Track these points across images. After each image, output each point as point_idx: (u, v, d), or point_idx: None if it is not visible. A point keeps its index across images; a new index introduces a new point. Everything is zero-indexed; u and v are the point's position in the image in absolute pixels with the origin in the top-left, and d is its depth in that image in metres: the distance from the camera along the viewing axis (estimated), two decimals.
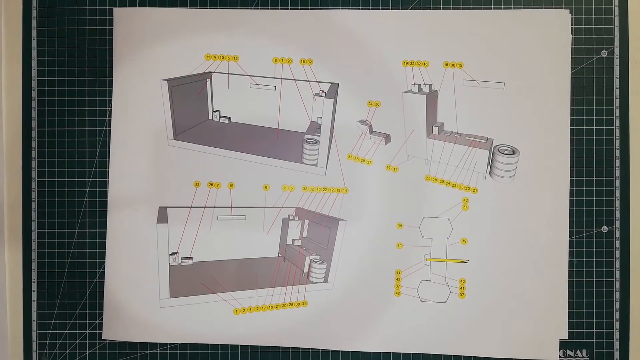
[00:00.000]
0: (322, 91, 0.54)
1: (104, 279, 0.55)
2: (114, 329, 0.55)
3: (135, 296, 0.54)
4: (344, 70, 0.54)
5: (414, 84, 0.54)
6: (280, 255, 0.55)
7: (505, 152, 0.53)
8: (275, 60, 0.54)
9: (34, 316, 0.55)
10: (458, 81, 0.54)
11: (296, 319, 0.54)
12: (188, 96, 0.55)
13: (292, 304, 0.55)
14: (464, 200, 0.54)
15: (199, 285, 0.54)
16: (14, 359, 0.55)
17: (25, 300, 0.55)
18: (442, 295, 0.54)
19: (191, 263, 0.55)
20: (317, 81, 0.54)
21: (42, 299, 0.55)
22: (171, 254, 0.54)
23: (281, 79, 0.54)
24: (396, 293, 0.54)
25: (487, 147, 0.53)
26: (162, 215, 0.54)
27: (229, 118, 0.55)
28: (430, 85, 0.54)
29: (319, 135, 0.54)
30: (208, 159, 0.55)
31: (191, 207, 0.54)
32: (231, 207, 0.54)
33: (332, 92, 0.54)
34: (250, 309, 0.55)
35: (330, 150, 0.54)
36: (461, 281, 0.54)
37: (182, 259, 0.54)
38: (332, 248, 0.54)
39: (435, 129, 0.54)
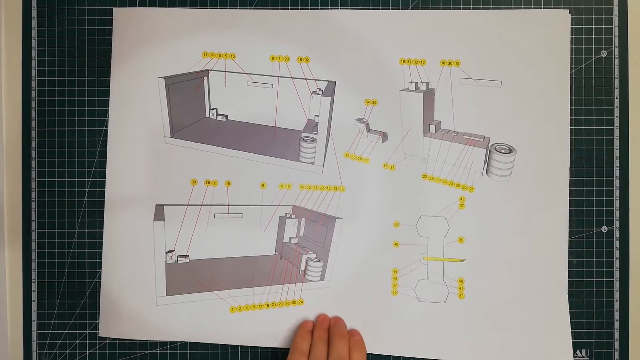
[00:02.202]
0: (319, 89, 0.54)
1: None
2: (111, 327, 0.55)
3: (132, 294, 0.54)
4: (341, 69, 0.54)
5: (411, 82, 0.54)
6: (276, 253, 0.55)
7: (502, 151, 0.53)
8: (273, 58, 0.54)
9: (34, 316, 0.55)
10: (455, 79, 0.54)
11: (292, 317, 0.54)
12: (185, 94, 0.55)
13: (288, 302, 0.54)
14: (461, 198, 0.54)
15: (195, 283, 0.54)
16: (14, 359, 0.55)
17: (25, 300, 0.55)
18: (440, 296, 0.54)
19: (188, 261, 0.55)
20: (314, 79, 0.54)
21: (42, 299, 0.55)
22: (168, 252, 0.54)
23: (278, 77, 0.54)
24: (393, 292, 0.54)
25: (484, 145, 0.53)
26: (159, 213, 0.54)
27: (226, 116, 0.55)
28: (428, 84, 0.54)
29: (316, 134, 0.54)
30: (205, 157, 0.55)
31: (188, 205, 0.54)
32: (228, 205, 0.54)
33: (329, 90, 0.54)
34: (247, 307, 0.54)
35: (327, 149, 0.54)
36: (459, 281, 0.54)
37: (178, 256, 0.54)
38: (329, 246, 0.54)
39: (432, 128, 0.54)
